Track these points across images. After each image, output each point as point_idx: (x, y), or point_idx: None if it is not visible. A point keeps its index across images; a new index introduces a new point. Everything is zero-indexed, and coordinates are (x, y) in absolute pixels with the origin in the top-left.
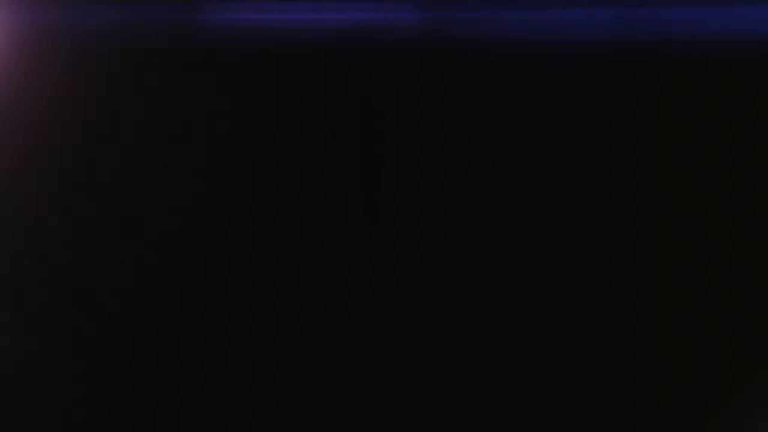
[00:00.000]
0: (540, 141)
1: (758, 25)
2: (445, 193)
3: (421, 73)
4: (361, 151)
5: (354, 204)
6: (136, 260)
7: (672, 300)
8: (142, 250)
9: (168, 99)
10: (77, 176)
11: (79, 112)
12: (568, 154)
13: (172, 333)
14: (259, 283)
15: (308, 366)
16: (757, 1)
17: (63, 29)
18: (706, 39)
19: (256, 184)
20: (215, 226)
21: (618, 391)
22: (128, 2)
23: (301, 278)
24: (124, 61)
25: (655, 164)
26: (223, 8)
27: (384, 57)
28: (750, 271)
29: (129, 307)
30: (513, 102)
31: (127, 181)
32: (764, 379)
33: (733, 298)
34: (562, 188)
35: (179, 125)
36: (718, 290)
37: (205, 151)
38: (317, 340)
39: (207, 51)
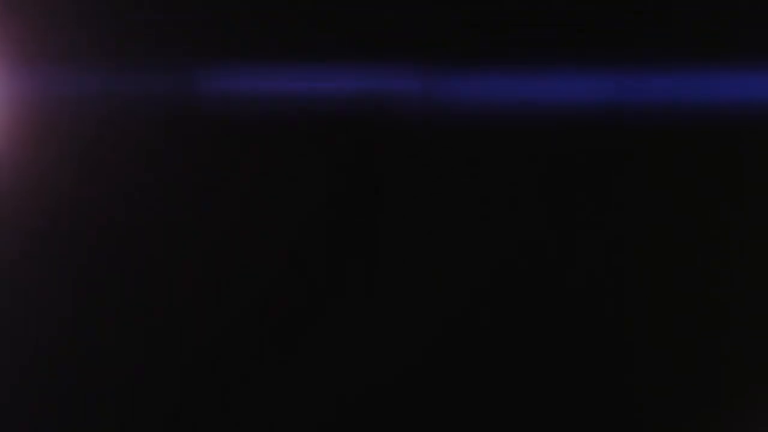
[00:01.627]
0: (542, 205)
1: (761, 92)
2: (448, 264)
3: (422, 142)
4: (360, 221)
5: (354, 276)
6: (136, 335)
7: (673, 304)
8: (145, 324)
9: (166, 168)
10: (81, 250)
11: (81, 183)
12: (569, 219)
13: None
14: (258, 366)
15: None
16: (760, 69)
17: (60, 100)
18: (706, 106)
19: (255, 255)
20: (215, 298)
21: (621, 396)
22: (124, 72)
23: (299, 362)
24: (122, 131)
25: (656, 228)
26: (221, 78)
27: (384, 126)
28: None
29: (133, 381)
30: (515, 168)
31: (129, 253)
32: (765, 381)
33: (735, 302)
34: (563, 253)
35: (176, 196)
36: (719, 294)
37: (203, 221)
38: (315, 417)
39: (206, 121)
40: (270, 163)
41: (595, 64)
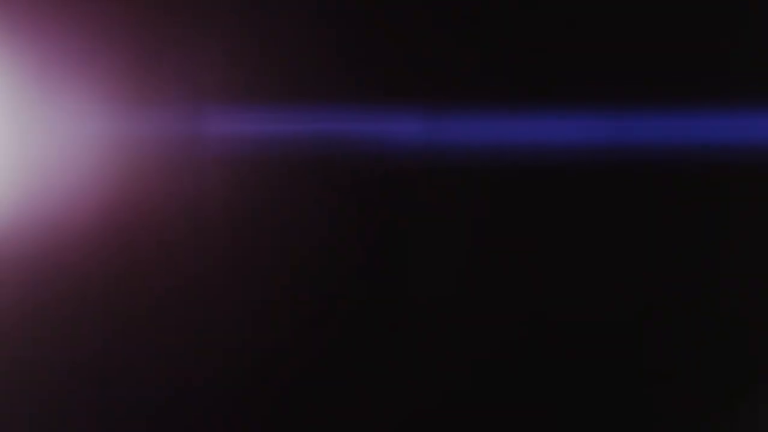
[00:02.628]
0: (544, 246)
1: (759, 133)
2: (450, 305)
3: (425, 184)
4: (362, 263)
5: (363, 320)
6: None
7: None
8: (151, 374)
9: (173, 212)
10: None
11: (89, 224)
12: (570, 258)
13: None
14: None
15: None
16: (758, 111)
17: (67, 141)
18: (703, 148)
19: (264, 301)
20: (223, 348)
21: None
22: (131, 114)
23: (308, 410)
24: (128, 173)
25: (653, 267)
26: (225, 120)
27: (387, 168)
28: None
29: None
30: (517, 210)
31: (134, 297)
32: (765, 381)
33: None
34: (565, 292)
35: (182, 240)
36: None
37: (208, 265)
38: None
39: (213, 163)
40: (271, 204)
41: (599, 107)
